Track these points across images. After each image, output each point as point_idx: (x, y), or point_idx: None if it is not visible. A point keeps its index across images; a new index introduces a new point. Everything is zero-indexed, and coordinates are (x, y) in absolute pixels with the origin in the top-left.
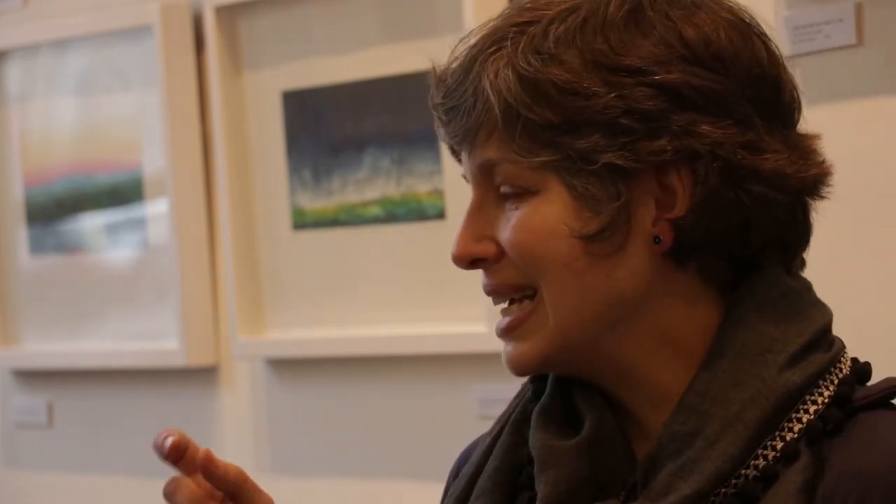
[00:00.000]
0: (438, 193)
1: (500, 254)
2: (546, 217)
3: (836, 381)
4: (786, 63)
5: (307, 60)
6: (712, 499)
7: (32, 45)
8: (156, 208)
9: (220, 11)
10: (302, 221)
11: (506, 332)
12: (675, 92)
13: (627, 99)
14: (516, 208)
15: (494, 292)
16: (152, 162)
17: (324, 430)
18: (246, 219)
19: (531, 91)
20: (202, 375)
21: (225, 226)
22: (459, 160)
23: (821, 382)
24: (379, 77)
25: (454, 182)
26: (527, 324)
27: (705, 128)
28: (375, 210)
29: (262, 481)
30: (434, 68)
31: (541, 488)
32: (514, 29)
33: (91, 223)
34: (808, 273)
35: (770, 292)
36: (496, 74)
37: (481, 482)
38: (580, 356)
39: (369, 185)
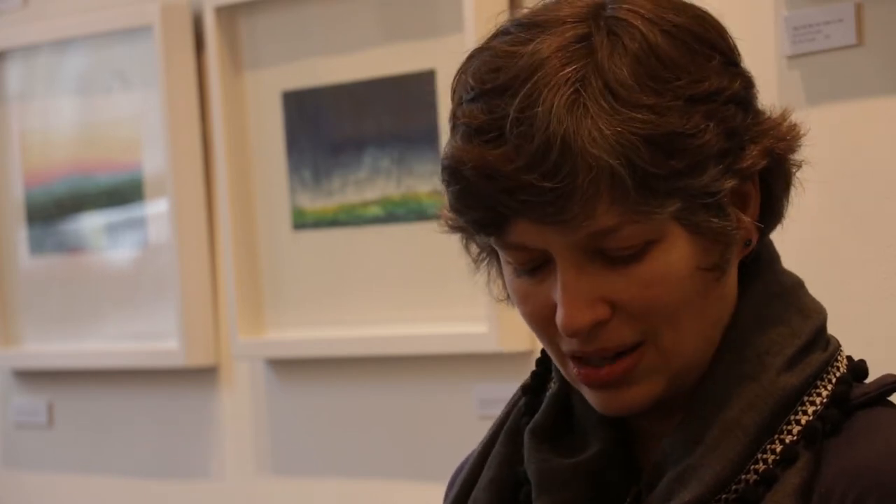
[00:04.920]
0: (439, 193)
1: (612, 314)
2: (675, 263)
3: (833, 381)
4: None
5: (307, 60)
6: None
7: (32, 45)
8: (156, 208)
9: (220, 11)
10: (302, 221)
11: (615, 382)
12: (741, 99)
13: (723, 123)
14: (638, 262)
15: (599, 353)
16: (152, 162)
17: (324, 431)
18: (246, 219)
19: (649, 146)
20: (202, 376)
21: (225, 226)
22: (492, 234)
23: (818, 383)
24: (379, 77)
25: None
26: (638, 369)
27: (765, 126)
28: (375, 210)
29: (262, 481)
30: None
31: None
32: (575, 82)
33: (91, 223)
34: (808, 274)
35: (766, 293)
36: (595, 139)
37: (476, 492)
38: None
39: (369, 185)
